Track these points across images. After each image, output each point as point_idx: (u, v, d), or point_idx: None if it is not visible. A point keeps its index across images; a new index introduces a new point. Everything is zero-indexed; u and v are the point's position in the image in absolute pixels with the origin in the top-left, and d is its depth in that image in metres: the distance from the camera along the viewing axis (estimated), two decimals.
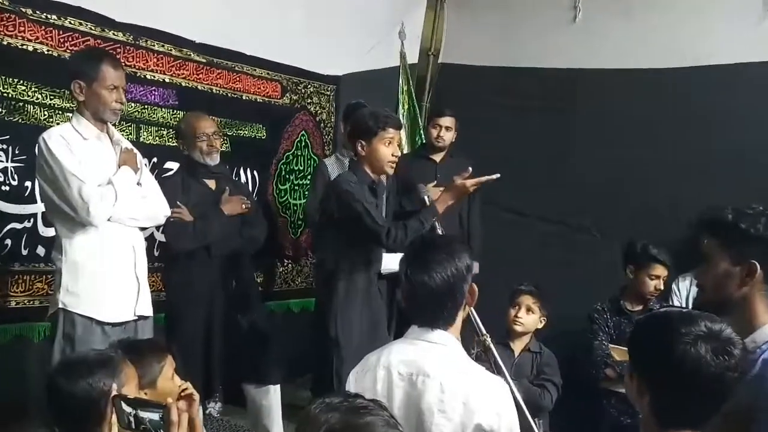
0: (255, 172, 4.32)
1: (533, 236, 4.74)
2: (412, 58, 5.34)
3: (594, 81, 4.63)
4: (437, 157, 4.22)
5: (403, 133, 5.18)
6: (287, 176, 4.51)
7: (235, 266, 3.42)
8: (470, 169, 2.96)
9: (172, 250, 3.31)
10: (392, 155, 2.88)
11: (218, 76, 4.02)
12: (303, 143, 4.60)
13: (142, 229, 2.91)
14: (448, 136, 4.19)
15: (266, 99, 4.32)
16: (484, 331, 2.38)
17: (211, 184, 3.36)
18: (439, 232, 2.87)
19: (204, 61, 3.92)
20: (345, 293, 2.92)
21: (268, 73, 4.37)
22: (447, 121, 4.20)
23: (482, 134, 4.75)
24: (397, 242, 2.74)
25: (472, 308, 1.71)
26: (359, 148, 2.85)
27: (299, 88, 4.61)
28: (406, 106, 5.23)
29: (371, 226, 2.75)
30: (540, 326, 3.33)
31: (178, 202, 3.26)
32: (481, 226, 4.37)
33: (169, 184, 3.31)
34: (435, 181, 3.67)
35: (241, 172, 4.16)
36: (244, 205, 3.39)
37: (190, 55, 3.83)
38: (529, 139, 4.80)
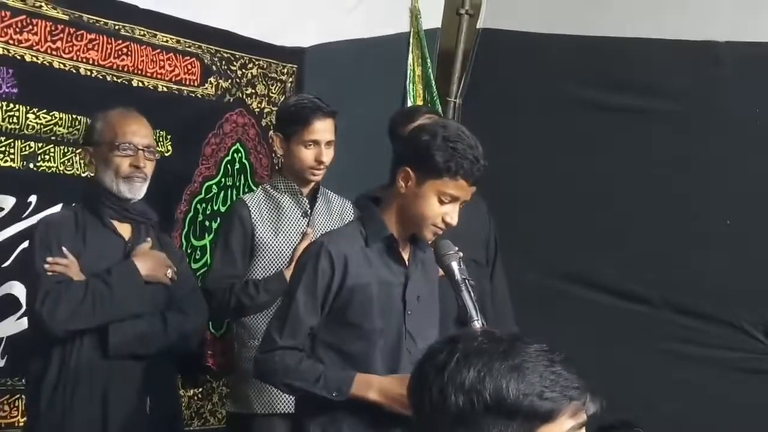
0: None
1: (653, 344, 4.17)
2: (431, 20, 4.88)
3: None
4: None
5: None
6: (207, 223, 4.21)
7: (153, 379, 3.12)
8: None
9: (43, 330, 2.97)
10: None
11: (90, 45, 3.69)
12: (237, 165, 4.33)
13: None
14: None
15: (174, 86, 4.03)
16: None
17: (125, 230, 3.17)
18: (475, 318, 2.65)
19: (65, 18, 3.57)
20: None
21: (179, 41, 4.00)
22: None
23: (556, 150, 4.40)
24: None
25: None
26: (400, 179, 2.72)
27: (232, 67, 4.26)
28: (420, 102, 4.73)
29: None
30: None
31: (63, 248, 3.01)
32: (514, 316, 3.73)
33: (54, 221, 3.11)
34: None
35: None
36: (169, 272, 3.19)
37: (40, 6, 3.49)
38: (638, 161, 4.33)
